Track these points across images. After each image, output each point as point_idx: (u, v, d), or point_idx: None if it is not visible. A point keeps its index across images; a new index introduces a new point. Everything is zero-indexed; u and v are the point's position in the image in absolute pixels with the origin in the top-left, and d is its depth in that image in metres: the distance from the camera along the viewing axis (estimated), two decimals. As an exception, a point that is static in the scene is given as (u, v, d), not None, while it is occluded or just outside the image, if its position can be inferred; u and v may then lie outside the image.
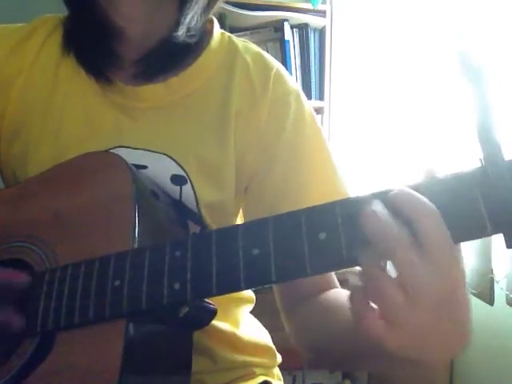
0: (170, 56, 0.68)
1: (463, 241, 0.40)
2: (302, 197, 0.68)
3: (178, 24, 0.66)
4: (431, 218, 0.38)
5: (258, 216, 0.66)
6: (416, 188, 0.41)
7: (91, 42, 0.69)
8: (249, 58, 0.73)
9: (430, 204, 0.39)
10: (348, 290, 0.43)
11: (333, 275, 0.71)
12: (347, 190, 0.70)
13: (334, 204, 0.43)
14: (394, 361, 0.47)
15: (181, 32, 0.66)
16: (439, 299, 0.38)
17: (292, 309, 0.70)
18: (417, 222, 0.39)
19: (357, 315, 0.41)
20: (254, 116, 0.70)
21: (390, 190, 0.42)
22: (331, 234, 0.42)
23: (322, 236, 0.42)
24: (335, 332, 0.59)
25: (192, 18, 0.67)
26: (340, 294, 0.66)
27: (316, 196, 0.67)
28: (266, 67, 0.73)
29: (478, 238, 0.40)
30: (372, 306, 0.39)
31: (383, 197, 0.41)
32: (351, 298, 0.41)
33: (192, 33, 0.68)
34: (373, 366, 0.59)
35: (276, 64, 0.74)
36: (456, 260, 0.39)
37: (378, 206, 0.39)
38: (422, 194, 0.40)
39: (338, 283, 0.71)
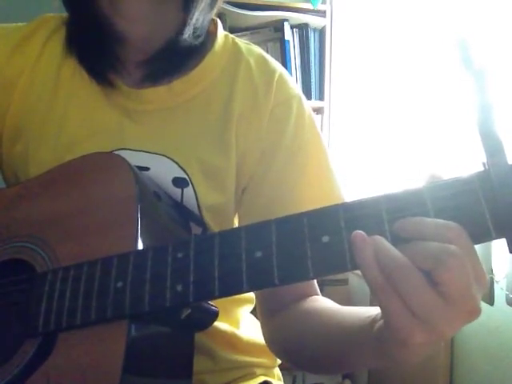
0: (175, 59, 0.68)
1: None
2: (297, 200, 0.68)
3: (182, 25, 0.66)
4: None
5: (252, 218, 0.68)
6: (419, 193, 0.41)
7: (93, 46, 0.69)
8: (252, 61, 0.73)
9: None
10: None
11: (314, 282, 0.72)
12: (343, 196, 0.70)
13: (337, 207, 0.43)
14: (384, 361, 0.48)
15: (187, 33, 0.66)
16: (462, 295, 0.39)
17: (272, 314, 0.70)
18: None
19: (384, 307, 0.41)
20: (255, 119, 0.70)
21: (392, 194, 0.42)
22: (334, 237, 0.42)
23: (325, 239, 0.42)
24: (318, 335, 0.61)
25: (198, 17, 0.66)
26: (320, 302, 0.67)
27: (311, 200, 0.67)
28: (270, 71, 0.73)
29: (481, 242, 0.40)
30: (400, 299, 0.39)
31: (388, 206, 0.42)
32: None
33: (197, 33, 0.68)
34: (355, 367, 0.60)
35: (279, 68, 0.74)
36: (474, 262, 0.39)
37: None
38: (425, 199, 0.40)
39: (318, 290, 0.72)
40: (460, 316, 0.40)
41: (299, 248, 0.43)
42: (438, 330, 0.40)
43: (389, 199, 0.42)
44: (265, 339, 0.72)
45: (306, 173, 0.70)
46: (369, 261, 0.40)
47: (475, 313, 0.40)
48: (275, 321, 0.69)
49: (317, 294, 0.70)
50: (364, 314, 0.51)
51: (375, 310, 0.49)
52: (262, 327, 0.73)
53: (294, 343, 0.66)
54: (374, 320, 0.48)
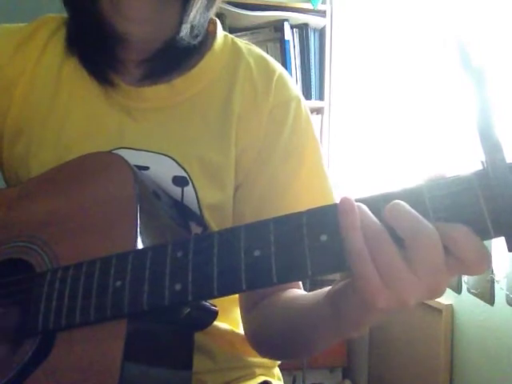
0: (174, 57, 0.69)
1: None
2: (288, 201, 0.69)
3: (181, 25, 0.66)
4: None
5: (242, 217, 0.69)
6: (418, 192, 0.41)
7: (94, 47, 0.69)
8: (252, 61, 0.73)
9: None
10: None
11: None
12: (334, 200, 0.71)
13: (335, 206, 0.43)
14: (343, 328, 0.52)
15: (184, 32, 0.66)
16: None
17: (253, 306, 0.71)
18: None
19: (357, 273, 0.42)
20: (255, 119, 0.70)
21: (391, 193, 0.42)
22: (332, 236, 0.42)
23: (323, 238, 0.42)
24: (284, 319, 0.64)
25: (195, 15, 0.67)
26: (298, 292, 0.69)
27: (302, 202, 0.67)
28: (269, 71, 0.73)
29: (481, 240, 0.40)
30: (372, 267, 0.41)
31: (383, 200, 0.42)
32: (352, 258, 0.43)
33: (195, 33, 0.68)
34: (318, 342, 0.63)
35: (279, 68, 0.74)
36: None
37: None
38: (424, 197, 0.40)
39: (300, 284, 0.73)
40: (422, 289, 0.41)
41: (298, 247, 0.43)
42: (401, 298, 0.41)
43: (387, 198, 0.42)
44: (247, 334, 0.72)
45: (299, 175, 0.70)
46: (355, 224, 0.41)
47: (437, 292, 0.42)
48: (258, 312, 0.70)
49: (298, 288, 0.71)
50: (322, 290, 0.55)
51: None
52: (244, 322, 0.73)
53: (266, 331, 0.68)
54: (329, 290, 0.52)
